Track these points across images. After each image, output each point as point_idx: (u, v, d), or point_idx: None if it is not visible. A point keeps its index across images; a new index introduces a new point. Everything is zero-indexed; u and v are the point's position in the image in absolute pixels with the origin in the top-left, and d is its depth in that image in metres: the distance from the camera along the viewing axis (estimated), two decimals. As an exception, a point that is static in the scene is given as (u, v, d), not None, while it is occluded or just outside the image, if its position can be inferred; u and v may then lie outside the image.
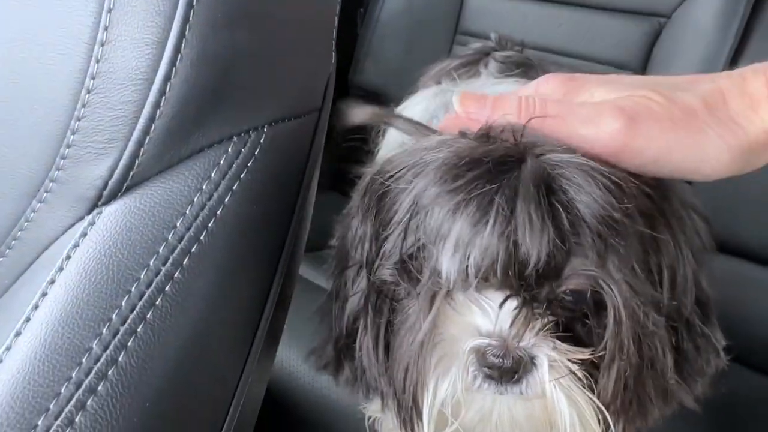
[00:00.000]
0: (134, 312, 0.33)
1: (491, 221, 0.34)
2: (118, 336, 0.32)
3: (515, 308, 0.36)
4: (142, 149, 0.34)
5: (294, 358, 0.80)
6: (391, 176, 0.39)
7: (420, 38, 1.22)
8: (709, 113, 0.37)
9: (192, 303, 0.35)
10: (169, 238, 0.34)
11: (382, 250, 0.39)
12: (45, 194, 0.34)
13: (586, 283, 0.36)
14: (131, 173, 0.34)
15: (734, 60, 0.91)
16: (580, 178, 0.35)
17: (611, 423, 0.38)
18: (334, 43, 0.43)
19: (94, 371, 0.31)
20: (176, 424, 0.35)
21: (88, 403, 0.31)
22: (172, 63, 0.33)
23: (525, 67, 0.85)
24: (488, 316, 0.37)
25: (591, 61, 1.07)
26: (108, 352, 0.32)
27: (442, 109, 0.76)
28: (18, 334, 0.32)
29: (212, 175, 0.35)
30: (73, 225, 0.34)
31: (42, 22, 0.33)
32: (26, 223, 0.35)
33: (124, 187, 0.34)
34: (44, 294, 0.33)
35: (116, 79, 0.33)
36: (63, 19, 0.33)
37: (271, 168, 0.38)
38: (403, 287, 0.39)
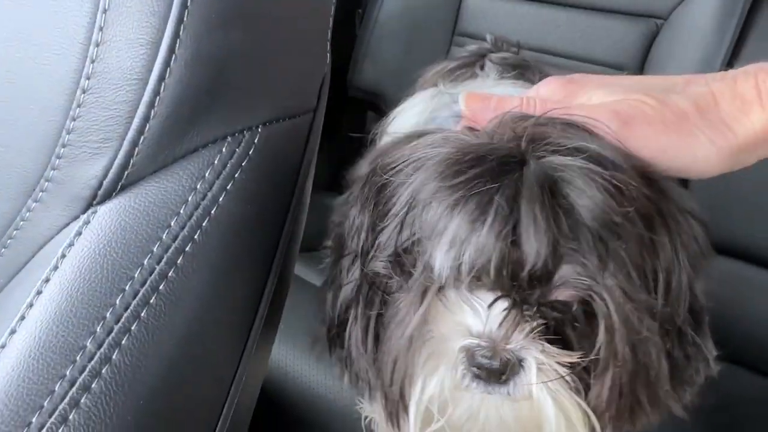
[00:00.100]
0: (128, 310, 0.33)
1: (489, 220, 0.34)
2: (113, 334, 0.32)
3: (505, 309, 0.36)
4: (136, 149, 0.34)
5: (290, 359, 0.81)
6: (392, 168, 0.39)
7: (418, 39, 1.22)
8: (700, 116, 0.38)
9: (186, 302, 0.35)
10: (164, 237, 0.34)
11: (377, 242, 0.39)
12: (40, 193, 0.35)
13: (577, 293, 0.36)
14: (126, 173, 0.34)
15: (731, 61, 0.91)
16: (581, 181, 0.35)
17: (598, 429, 0.38)
18: (329, 43, 0.44)
19: (88, 369, 0.31)
20: (170, 423, 0.35)
21: (82, 400, 0.31)
22: (167, 63, 0.33)
23: (521, 69, 0.85)
24: (479, 316, 0.37)
25: (588, 63, 1.07)
26: (102, 350, 0.32)
27: (440, 111, 0.76)
28: (13, 332, 0.32)
29: (206, 174, 0.36)
30: (68, 224, 0.34)
31: (37, 22, 0.34)
32: (22, 223, 0.35)
33: (119, 187, 0.34)
34: (39, 292, 0.33)
35: (111, 79, 0.33)
36: (58, 19, 0.33)
37: (265, 168, 0.38)
38: (396, 280, 0.39)
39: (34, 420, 0.30)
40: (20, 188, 0.35)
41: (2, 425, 0.30)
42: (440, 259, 0.35)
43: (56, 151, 0.34)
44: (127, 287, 0.33)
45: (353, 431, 0.59)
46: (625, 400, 0.38)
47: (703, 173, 0.39)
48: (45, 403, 0.30)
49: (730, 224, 0.88)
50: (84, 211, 0.34)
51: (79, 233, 0.34)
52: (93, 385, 0.31)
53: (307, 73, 0.43)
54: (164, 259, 0.34)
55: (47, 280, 0.33)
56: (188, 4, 0.33)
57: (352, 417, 0.59)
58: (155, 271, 0.34)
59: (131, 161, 0.34)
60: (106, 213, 0.34)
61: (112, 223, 0.34)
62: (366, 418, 0.58)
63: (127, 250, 0.34)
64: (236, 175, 0.36)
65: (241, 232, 0.38)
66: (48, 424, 0.30)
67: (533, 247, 0.34)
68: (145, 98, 0.33)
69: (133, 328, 0.33)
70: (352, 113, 1.32)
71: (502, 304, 0.36)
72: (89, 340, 0.32)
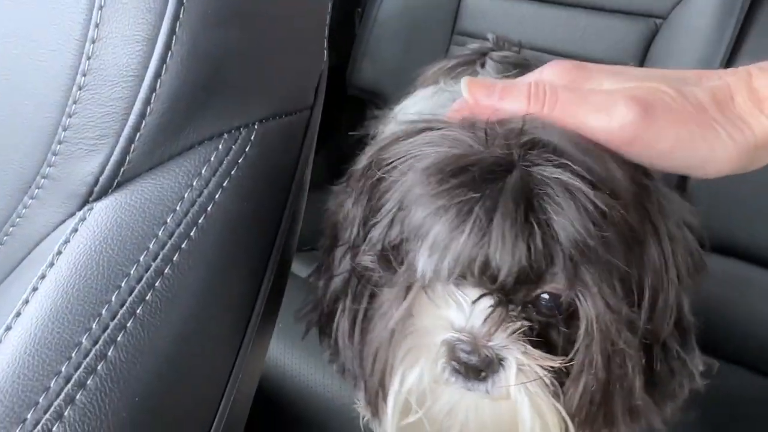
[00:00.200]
0: (124, 307, 0.33)
1: (467, 230, 0.34)
2: (108, 331, 0.32)
3: (490, 306, 0.36)
4: (132, 146, 0.34)
5: (288, 357, 0.81)
6: (388, 165, 0.39)
7: (417, 38, 1.22)
8: (717, 109, 0.36)
9: (182, 299, 0.35)
10: (160, 234, 0.34)
11: (368, 236, 0.39)
12: (36, 190, 0.35)
13: (561, 290, 0.36)
14: (122, 169, 0.34)
15: (730, 61, 0.91)
16: (561, 198, 0.34)
17: None
18: (326, 41, 0.43)
19: (83, 366, 0.31)
20: (166, 420, 0.35)
21: (77, 397, 0.31)
22: (163, 60, 0.33)
23: (522, 68, 0.85)
24: (463, 311, 0.37)
25: (587, 62, 1.07)
26: (98, 346, 0.32)
27: (441, 109, 0.76)
28: (8, 328, 0.32)
29: (203, 171, 0.36)
30: (64, 221, 0.34)
31: (33, 19, 0.34)
32: (18, 219, 0.35)
33: (115, 184, 0.34)
34: (35, 289, 0.33)
35: (107, 75, 0.33)
36: (54, 15, 0.33)
37: (261, 165, 0.38)
38: (382, 275, 0.39)
39: (29, 416, 0.30)
40: (16, 185, 0.35)
41: (-3, 421, 0.30)
42: (422, 261, 0.36)
43: (52, 148, 0.34)
44: (123, 284, 0.33)
45: (351, 430, 0.59)
46: (596, 408, 0.38)
47: (719, 170, 0.36)
48: (40, 400, 0.30)
49: (730, 224, 0.88)
50: (80, 208, 0.34)
51: (75, 230, 0.34)
52: (88, 382, 0.31)
53: (304, 70, 0.43)
54: (160, 256, 0.34)
55: (43, 277, 0.33)
56: (184, 1, 0.33)
57: (350, 415, 0.59)
58: (151, 268, 0.34)
59: (127, 158, 0.34)
60: (102, 210, 0.34)
61: (108, 220, 0.34)
62: (364, 417, 0.58)
63: (123, 246, 0.34)
64: (233, 172, 0.36)
65: (238, 229, 0.38)
66: (43, 421, 0.30)
67: (501, 261, 0.34)
68: (141, 95, 0.33)
69: (128, 324, 0.33)
70: (351, 112, 1.32)
71: (487, 301, 0.36)
72: (85, 337, 0.32)
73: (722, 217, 0.87)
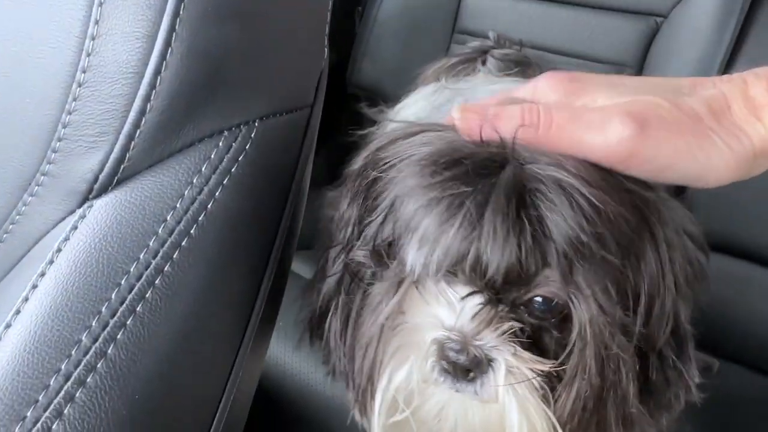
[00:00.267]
0: (124, 305, 0.33)
1: (457, 224, 0.34)
2: (108, 328, 0.32)
3: (479, 304, 0.36)
4: (132, 143, 0.34)
5: (288, 355, 0.81)
6: (384, 164, 0.39)
7: (418, 37, 1.22)
8: (714, 119, 0.36)
9: (182, 296, 0.35)
10: (160, 231, 0.34)
11: (363, 235, 0.39)
12: (36, 188, 0.34)
13: (554, 293, 0.36)
14: (122, 167, 0.34)
15: (731, 59, 0.91)
16: (555, 195, 0.34)
17: None
18: (326, 39, 0.43)
19: (83, 363, 0.31)
20: (166, 418, 0.35)
21: (77, 395, 0.31)
22: (163, 56, 0.33)
23: (523, 66, 0.85)
24: (453, 309, 0.37)
25: (588, 60, 1.07)
26: (97, 344, 0.32)
27: (442, 107, 0.76)
28: (8, 326, 0.32)
29: (203, 169, 0.35)
30: (64, 218, 0.34)
31: (33, 16, 0.34)
32: (18, 217, 0.35)
33: (115, 181, 0.34)
34: (35, 286, 0.33)
35: (107, 72, 0.33)
36: (54, 12, 0.33)
37: (262, 163, 0.38)
38: (374, 270, 0.39)
39: (29, 414, 0.30)
40: (16, 182, 0.35)
41: (-3, 419, 0.30)
42: (412, 255, 0.35)
43: (52, 145, 0.34)
44: (122, 281, 0.33)
45: (351, 429, 0.59)
46: (588, 415, 0.37)
47: (719, 179, 0.36)
48: (40, 398, 0.30)
49: (730, 223, 0.88)
50: (80, 205, 0.34)
51: (74, 227, 0.34)
52: (88, 380, 0.31)
53: (305, 69, 0.42)
54: (160, 254, 0.34)
55: (43, 274, 0.33)
56: (184, -3, 0.33)
57: (350, 415, 0.59)
58: (151, 266, 0.34)
59: (127, 155, 0.34)
60: (102, 207, 0.34)
61: (108, 217, 0.34)
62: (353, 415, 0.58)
63: (123, 244, 0.33)
64: (233, 170, 0.36)
65: (238, 227, 0.37)
66: (43, 419, 0.30)
67: (492, 256, 0.34)
68: (141, 92, 0.33)
69: (128, 322, 0.33)
70: (351, 111, 1.32)
71: (477, 299, 0.36)
72: (85, 335, 0.32)
73: (722, 216, 0.86)
